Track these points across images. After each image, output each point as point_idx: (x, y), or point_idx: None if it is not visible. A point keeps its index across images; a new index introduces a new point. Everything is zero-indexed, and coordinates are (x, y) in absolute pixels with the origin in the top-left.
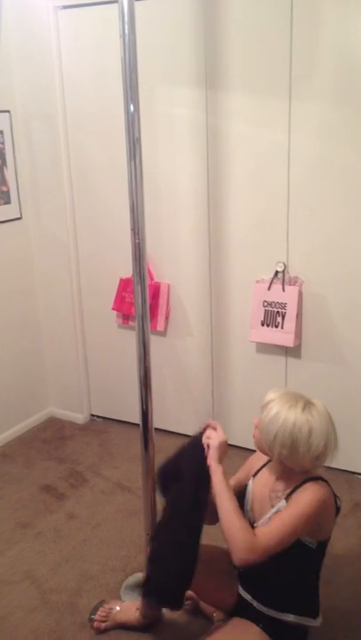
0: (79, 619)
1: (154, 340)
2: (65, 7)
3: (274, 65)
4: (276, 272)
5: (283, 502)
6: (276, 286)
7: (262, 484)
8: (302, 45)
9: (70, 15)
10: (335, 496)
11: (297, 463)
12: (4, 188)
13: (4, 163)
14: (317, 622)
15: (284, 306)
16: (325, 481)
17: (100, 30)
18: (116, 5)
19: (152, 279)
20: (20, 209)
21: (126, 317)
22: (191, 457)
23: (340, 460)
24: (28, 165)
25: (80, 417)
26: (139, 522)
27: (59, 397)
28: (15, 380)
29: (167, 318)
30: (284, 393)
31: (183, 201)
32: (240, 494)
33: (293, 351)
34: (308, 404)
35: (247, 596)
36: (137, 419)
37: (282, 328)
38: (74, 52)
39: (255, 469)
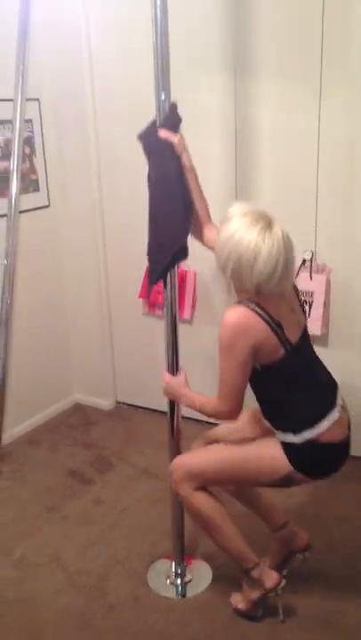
0: (107, 601)
1: (180, 329)
2: None
3: (305, 51)
4: (304, 260)
5: None
6: (304, 274)
7: None
8: (334, 30)
9: (99, 2)
10: (267, 314)
11: (240, 285)
12: (33, 176)
13: (33, 151)
14: (296, 439)
15: (311, 294)
16: (253, 305)
17: (130, 16)
18: None
19: (178, 267)
20: (49, 197)
21: (152, 305)
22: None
23: None
24: (56, 153)
25: (105, 403)
26: (165, 508)
27: (84, 384)
28: (42, 367)
29: (193, 307)
30: (247, 212)
31: (210, 189)
32: None
33: (320, 339)
34: (266, 228)
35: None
36: (162, 406)
37: (308, 316)
38: (103, 38)
39: None
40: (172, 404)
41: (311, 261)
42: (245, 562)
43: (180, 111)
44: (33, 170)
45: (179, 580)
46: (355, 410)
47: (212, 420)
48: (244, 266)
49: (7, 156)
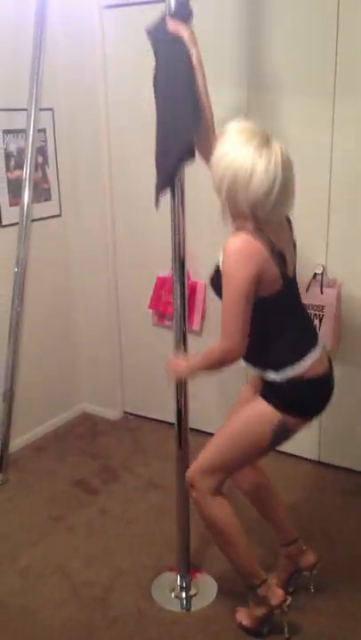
0: (111, 613)
1: (189, 340)
2: (110, 7)
3: (318, 65)
4: (315, 274)
5: (221, 255)
6: (315, 289)
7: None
8: (348, 45)
9: (115, 14)
10: (269, 240)
11: (237, 208)
12: (46, 186)
13: (46, 160)
14: (278, 376)
15: (321, 308)
16: (255, 230)
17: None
18: (159, 5)
19: (189, 278)
20: (60, 206)
21: (162, 316)
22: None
23: None
24: (69, 163)
25: (113, 413)
26: (171, 520)
27: (93, 393)
28: (51, 375)
29: (203, 318)
30: (243, 128)
31: None
32: None
33: (331, 354)
34: (263, 144)
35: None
36: (170, 417)
37: (319, 330)
38: (118, 51)
39: None
40: (180, 416)
41: (322, 275)
42: (254, 579)
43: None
44: (45, 179)
45: (183, 594)
46: None
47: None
48: (240, 183)
49: (20, 165)
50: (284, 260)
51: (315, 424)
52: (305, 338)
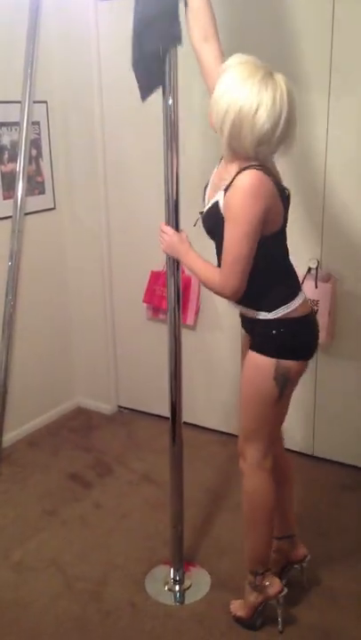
0: (104, 607)
1: (183, 334)
2: None
3: (313, 57)
4: (309, 268)
5: (220, 194)
6: (309, 283)
7: (217, 174)
8: (343, 36)
9: (110, 7)
10: (275, 177)
11: (241, 145)
12: (39, 179)
13: (40, 153)
14: (269, 315)
15: (316, 303)
16: (262, 168)
17: None
18: None
19: (183, 272)
20: (55, 199)
21: (156, 310)
22: None
23: None
24: (63, 156)
25: (107, 408)
26: (164, 515)
27: (87, 387)
28: (45, 369)
29: (197, 312)
30: (245, 61)
31: None
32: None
33: (324, 348)
34: (267, 76)
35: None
36: (164, 411)
37: None
38: (112, 43)
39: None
40: (174, 410)
41: (317, 270)
42: (260, 565)
43: (187, 117)
44: (39, 172)
45: (177, 587)
46: None
47: (222, 429)
48: (245, 117)
49: (14, 158)
50: (287, 197)
51: (308, 418)
52: (295, 279)
